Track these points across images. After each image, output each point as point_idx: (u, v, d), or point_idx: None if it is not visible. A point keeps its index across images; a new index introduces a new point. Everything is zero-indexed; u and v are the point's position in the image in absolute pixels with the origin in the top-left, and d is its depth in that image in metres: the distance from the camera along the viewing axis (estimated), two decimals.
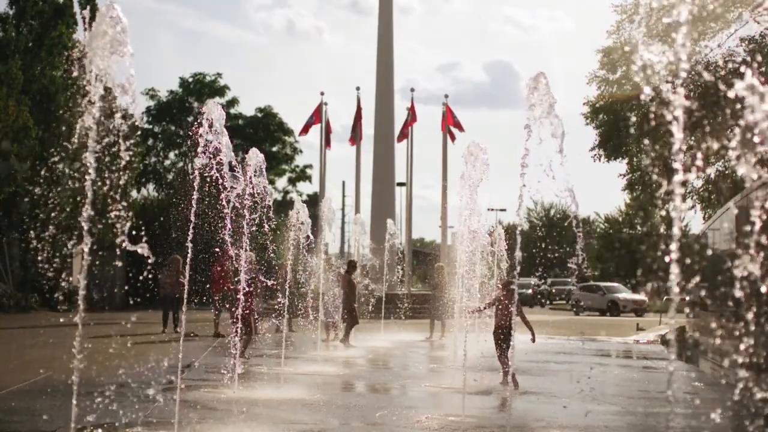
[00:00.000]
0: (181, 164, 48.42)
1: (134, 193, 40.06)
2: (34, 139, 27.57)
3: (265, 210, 12.30)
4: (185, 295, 9.84)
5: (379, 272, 27.41)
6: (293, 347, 17.52)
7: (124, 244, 5.85)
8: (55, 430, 8.08)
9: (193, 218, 8.43)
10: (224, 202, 9.90)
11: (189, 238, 8.40)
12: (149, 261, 5.85)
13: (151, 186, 47.85)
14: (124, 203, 6.20)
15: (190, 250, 8.52)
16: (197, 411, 9.33)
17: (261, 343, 16.64)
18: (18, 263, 29.38)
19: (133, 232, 6.18)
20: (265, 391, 11.21)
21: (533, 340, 12.85)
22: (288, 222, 16.28)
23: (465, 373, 10.24)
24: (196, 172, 8.75)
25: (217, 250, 16.04)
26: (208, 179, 9.40)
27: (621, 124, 29.54)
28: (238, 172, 10.33)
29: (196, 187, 8.56)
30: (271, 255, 18.81)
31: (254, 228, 14.67)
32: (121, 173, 6.21)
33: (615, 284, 47.71)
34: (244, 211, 10.69)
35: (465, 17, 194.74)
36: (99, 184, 6.17)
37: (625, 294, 44.34)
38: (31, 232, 25.66)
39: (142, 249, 5.88)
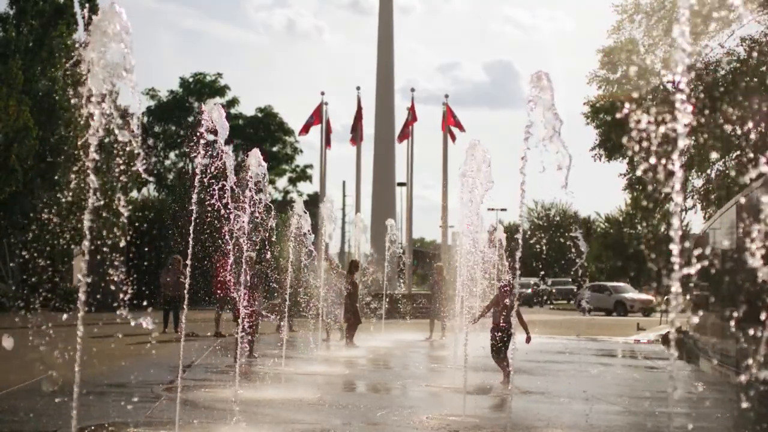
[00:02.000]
0: (181, 164, 48.41)
1: (134, 193, 40.02)
2: (34, 139, 27.57)
3: (267, 235, 12.30)
4: (186, 295, 9.83)
5: (380, 286, 27.28)
6: (293, 347, 17.52)
7: (126, 316, 5.95)
8: (55, 430, 8.08)
9: (193, 223, 8.40)
10: (227, 236, 9.91)
11: (189, 247, 8.38)
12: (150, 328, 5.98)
13: (151, 186, 47.85)
14: (124, 268, 6.27)
15: (190, 252, 8.51)
16: (198, 411, 9.32)
17: (261, 343, 16.65)
18: (18, 263, 29.38)
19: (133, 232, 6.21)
20: (265, 391, 11.20)
21: (528, 341, 12.78)
22: (288, 223, 16.25)
23: (465, 373, 10.23)
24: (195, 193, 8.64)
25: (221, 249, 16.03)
26: (210, 208, 9.37)
27: (619, 128, 29.52)
28: (242, 201, 10.28)
29: (195, 216, 8.47)
30: (274, 285, 18.90)
31: (255, 251, 14.69)
32: (120, 233, 6.25)
33: (622, 284, 47.54)
34: (245, 239, 10.65)
35: (465, 17, 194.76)
36: (98, 242, 6.20)
37: (632, 294, 44.22)
38: (31, 234, 25.72)
39: (146, 322, 6.03)
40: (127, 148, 5.99)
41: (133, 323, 6.26)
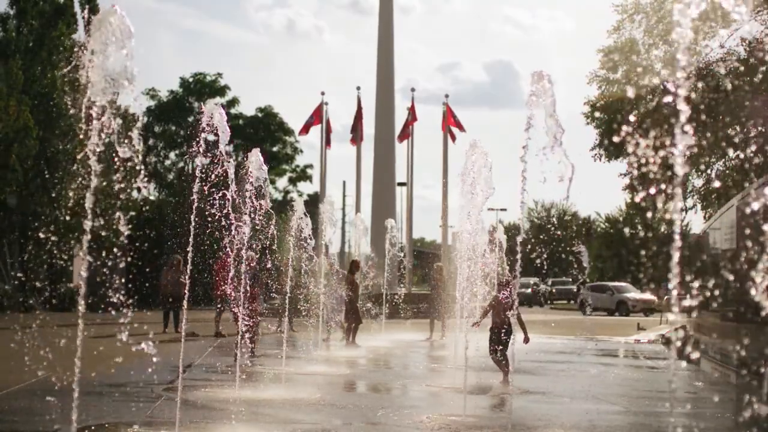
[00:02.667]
0: (181, 164, 48.39)
1: (135, 194, 40.00)
2: (35, 140, 27.56)
3: (268, 243, 12.29)
4: (186, 295, 9.82)
5: (381, 288, 27.21)
6: (294, 347, 17.52)
7: (126, 340, 6.03)
8: (55, 431, 8.07)
9: (194, 226, 8.38)
10: (228, 249, 9.91)
11: (189, 247, 8.37)
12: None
13: (151, 186, 47.84)
14: (125, 294, 6.31)
15: (190, 251, 8.50)
16: (198, 411, 9.32)
17: (261, 343, 16.63)
18: (18, 263, 29.36)
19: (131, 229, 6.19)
20: (266, 391, 11.20)
21: (526, 341, 12.70)
22: (289, 225, 16.23)
23: (465, 373, 10.22)
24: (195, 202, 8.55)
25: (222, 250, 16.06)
26: (210, 219, 9.34)
27: (621, 124, 29.48)
28: (243, 212, 10.25)
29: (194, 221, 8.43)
30: (274, 294, 18.82)
31: (257, 257, 14.67)
32: (120, 258, 6.26)
33: (624, 284, 47.14)
34: (245, 248, 10.64)
35: (465, 17, 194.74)
36: (98, 263, 6.19)
37: (634, 294, 43.92)
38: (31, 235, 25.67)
39: (148, 347, 6.12)
40: (128, 164, 5.93)
41: (134, 348, 6.30)
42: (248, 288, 13.41)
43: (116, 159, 5.90)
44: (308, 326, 18.55)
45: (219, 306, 19.57)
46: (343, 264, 29.63)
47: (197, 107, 46.14)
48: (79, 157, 6.06)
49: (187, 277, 9.30)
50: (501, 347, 12.70)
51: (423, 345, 20.91)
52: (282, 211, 26.51)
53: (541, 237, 69.66)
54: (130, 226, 6.17)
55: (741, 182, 25.12)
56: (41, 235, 23.97)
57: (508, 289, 12.95)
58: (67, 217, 24.73)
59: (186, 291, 9.72)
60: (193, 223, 8.32)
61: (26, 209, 27.84)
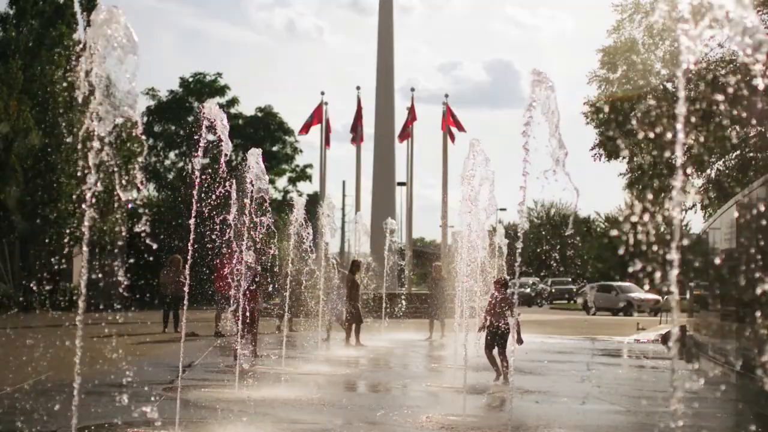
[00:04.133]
0: (181, 164, 48.40)
1: (134, 194, 39.94)
2: (35, 139, 27.55)
3: (269, 265, 12.33)
4: (185, 295, 9.82)
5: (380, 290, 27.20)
6: (294, 347, 17.51)
7: (125, 402, 6.05)
8: (55, 431, 8.07)
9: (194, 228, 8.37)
10: (231, 272, 9.94)
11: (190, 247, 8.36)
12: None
13: (151, 186, 47.84)
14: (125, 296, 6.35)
15: (190, 251, 8.51)
16: (198, 411, 9.32)
17: (262, 342, 16.64)
18: (18, 263, 29.35)
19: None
20: (266, 391, 11.20)
21: (519, 342, 12.54)
22: (289, 224, 16.23)
23: (465, 373, 10.22)
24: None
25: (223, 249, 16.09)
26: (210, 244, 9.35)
27: (620, 124, 29.50)
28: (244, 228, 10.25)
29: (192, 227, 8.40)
30: (274, 310, 18.81)
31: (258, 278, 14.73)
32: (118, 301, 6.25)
33: (629, 284, 46.67)
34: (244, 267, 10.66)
35: (465, 17, 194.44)
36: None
37: (638, 294, 43.45)
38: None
39: (150, 411, 6.15)
40: (129, 205, 5.81)
41: (135, 413, 6.29)
42: (248, 288, 13.42)
43: (116, 200, 5.72)
44: (308, 320, 18.56)
45: (220, 305, 19.56)
46: (343, 265, 29.63)
47: (197, 107, 46.14)
48: (76, 193, 6.00)
49: (186, 276, 9.30)
50: (499, 347, 12.69)
51: (423, 345, 20.91)
52: (282, 210, 26.48)
53: (543, 274, 67.74)
54: (128, 274, 6.16)
55: (741, 182, 25.12)
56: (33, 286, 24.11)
57: (506, 289, 12.94)
58: (63, 266, 24.78)
59: (185, 291, 9.73)
60: (191, 242, 8.30)
61: (26, 209, 27.82)
